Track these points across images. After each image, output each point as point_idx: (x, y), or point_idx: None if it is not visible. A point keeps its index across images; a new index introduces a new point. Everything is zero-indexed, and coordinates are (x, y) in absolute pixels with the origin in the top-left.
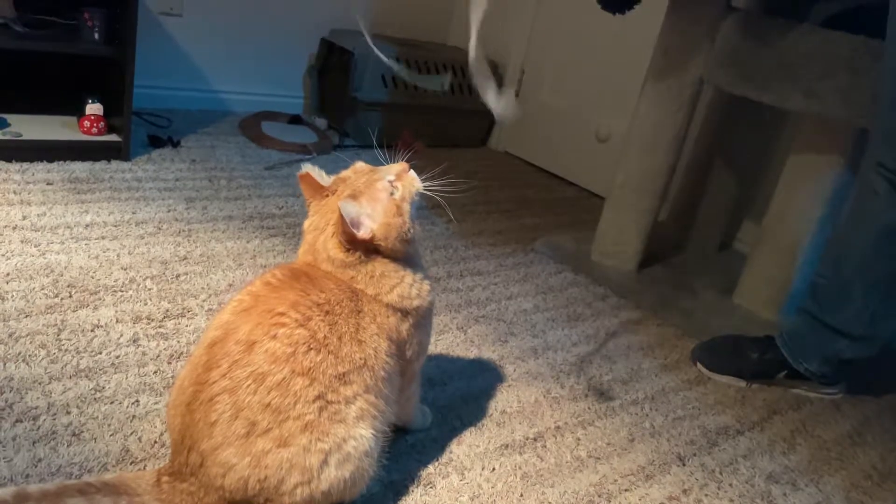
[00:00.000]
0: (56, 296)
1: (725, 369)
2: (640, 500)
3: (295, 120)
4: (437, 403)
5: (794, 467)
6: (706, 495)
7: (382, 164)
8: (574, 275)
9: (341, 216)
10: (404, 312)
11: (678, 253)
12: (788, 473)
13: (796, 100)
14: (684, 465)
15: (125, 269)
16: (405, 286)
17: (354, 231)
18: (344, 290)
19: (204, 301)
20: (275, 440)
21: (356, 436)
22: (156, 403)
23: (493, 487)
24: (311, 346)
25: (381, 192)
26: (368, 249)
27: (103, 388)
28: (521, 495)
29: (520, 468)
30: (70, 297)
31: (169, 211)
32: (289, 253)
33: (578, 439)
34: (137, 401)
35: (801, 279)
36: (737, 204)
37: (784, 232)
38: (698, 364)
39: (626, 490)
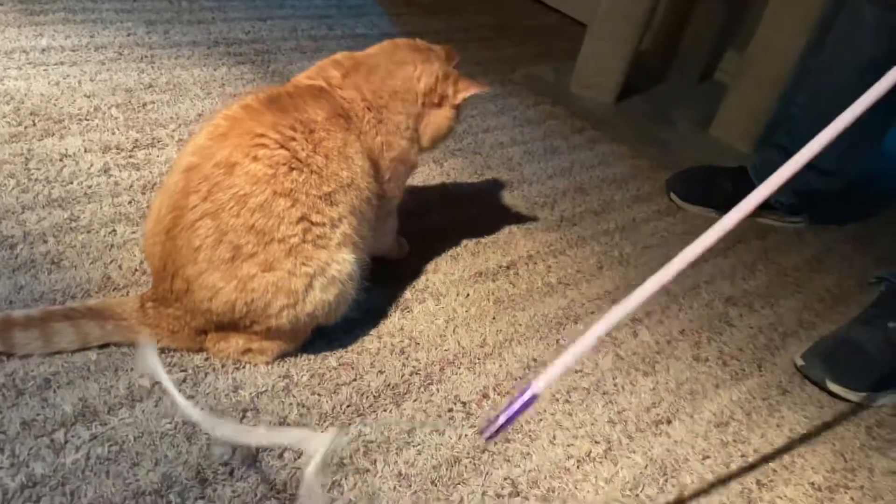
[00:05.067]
0: (19, 124)
1: (697, 199)
2: None
3: None
4: (415, 234)
5: (752, 291)
6: (667, 317)
7: None
8: (552, 107)
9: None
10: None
11: (658, 84)
12: (747, 297)
13: None
14: None
15: (89, 97)
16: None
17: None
18: (334, 107)
19: (174, 131)
20: (260, 265)
21: (339, 259)
22: (133, 233)
23: (466, 311)
24: (293, 166)
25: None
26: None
27: (78, 217)
28: (494, 318)
29: (492, 294)
30: (34, 125)
31: (129, 35)
32: (259, 82)
33: (549, 267)
34: (114, 230)
35: (779, 111)
36: (721, 33)
37: (767, 63)
38: (671, 194)
39: (591, 312)
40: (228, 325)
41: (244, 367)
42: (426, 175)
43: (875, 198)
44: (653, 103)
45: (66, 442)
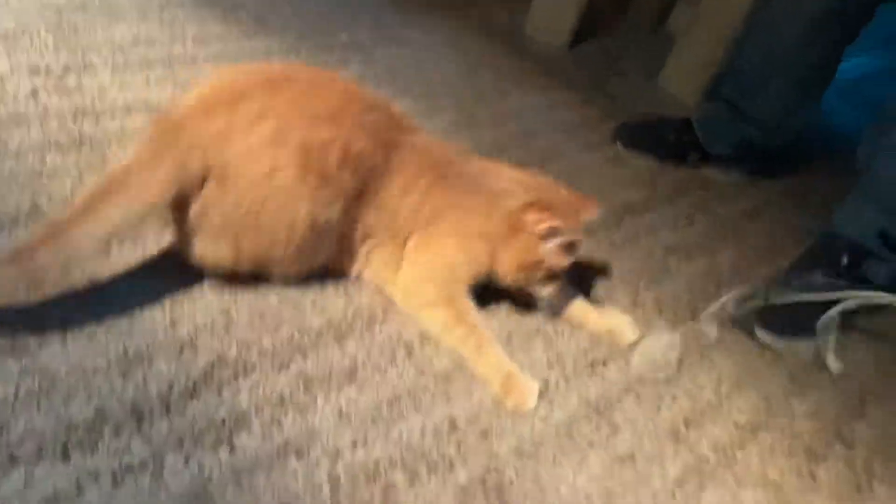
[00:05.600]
0: None
1: (643, 149)
2: None
3: None
4: None
5: (691, 241)
6: (609, 264)
7: None
8: (505, 49)
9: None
10: None
11: (611, 31)
12: (685, 246)
13: None
14: (592, 237)
15: (14, 15)
16: None
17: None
18: None
19: (108, 56)
20: None
21: None
22: (63, 161)
23: None
24: None
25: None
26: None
27: (6, 142)
28: None
29: None
30: None
31: None
32: (199, 6)
33: None
34: (44, 158)
35: (726, 65)
36: None
37: (717, 15)
38: (618, 142)
39: None
40: None
41: (183, 303)
42: None
43: (811, 153)
44: (605, 50)
45: None
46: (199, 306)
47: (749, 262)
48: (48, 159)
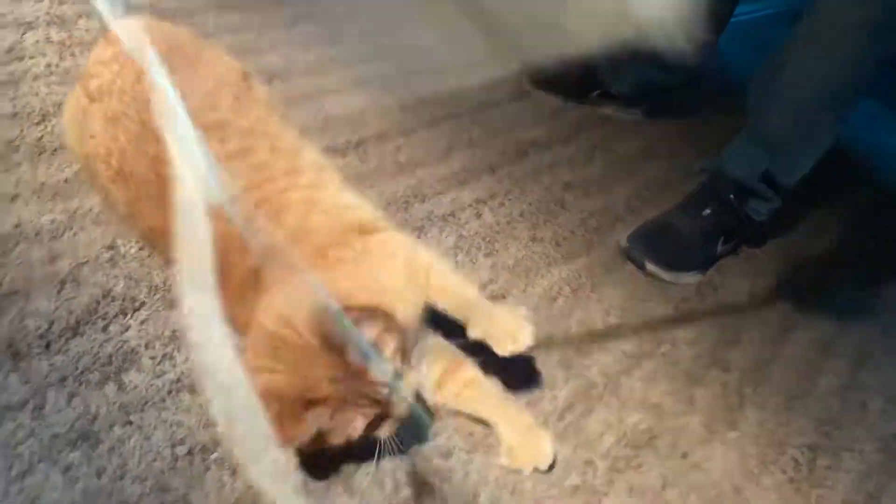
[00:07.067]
0: None
1: (547, 86)
2: (451, 201)
3: None
4: None
5: (588, 177)
6: (509, 199)
7: None
8: None
9: None
10: None
11: None
12: (583, 183)
13: None
14: (494, 173)
15: None
16: None
17: None
18: None
19: None
20: None
21: None
22: None
23: None
24: None
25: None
26: None
27: None
28: None
29: (341, 170)
30: None
31: None
32: None
33: (399, 147)
34: None
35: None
36: None
37: None
38: (524, 78)
39: (439, 193)
40: None
41: (62, 237)
42: (273, 41)
43: (707, 93)
44: None
45: None
46: (81, 240)
47: (643, 198)
48: None
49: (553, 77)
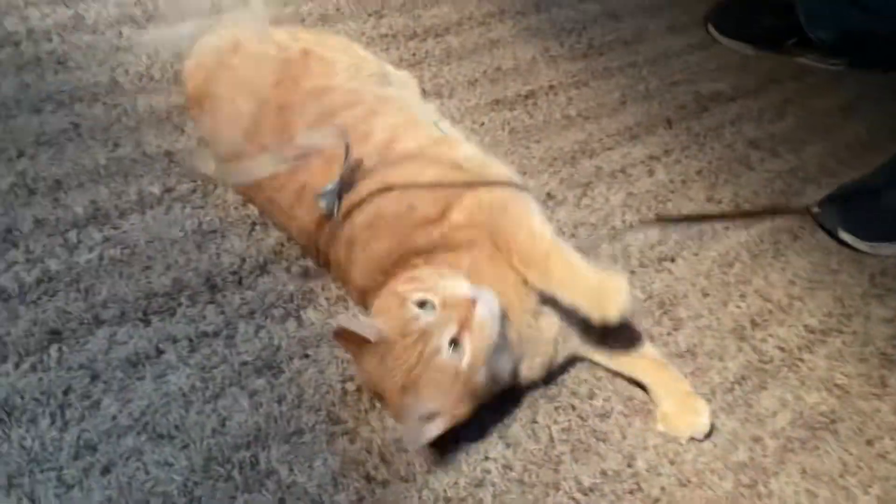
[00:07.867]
0: None
1: (736, 33)
2: (622, 157)
3: None
4: (431, 57)
5: (777, 135)
6: (686, 156)
7: None
8: None
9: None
10: None
11: None
12: (771, 140)
13: None
14: (671, 128)
15: None
16: None
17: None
18: None
19: None
20: None
21: None
22: (140, 36)
23: (480, 140)
24: None
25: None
26: None
27: (83, 17)
28: (508, 149)
29: (508, 123)
30: None
31: None
32: None
33: (570, 98)
34: (120, 32)
35: None
36: None
37: None
38: (709, 26)
39: (609, 149)
40: None
41: None
42: None
43: None
44: None
45: (79, 242)
46: None
47: (839, 159)
48: (124, 33)
49: (744, 24)
